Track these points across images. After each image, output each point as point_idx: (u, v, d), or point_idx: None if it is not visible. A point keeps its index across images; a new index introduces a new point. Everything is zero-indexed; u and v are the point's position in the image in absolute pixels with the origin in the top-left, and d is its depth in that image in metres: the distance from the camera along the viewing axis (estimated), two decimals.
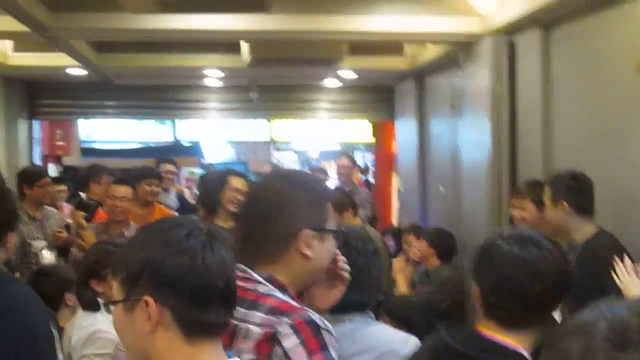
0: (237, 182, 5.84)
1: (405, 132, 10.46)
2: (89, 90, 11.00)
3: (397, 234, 9.21)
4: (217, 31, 6.71)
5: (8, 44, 8.73)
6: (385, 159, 12.48)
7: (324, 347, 2.10)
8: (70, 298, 4.41)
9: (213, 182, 6.12)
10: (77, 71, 9.46)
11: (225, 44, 8.85)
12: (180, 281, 1.66)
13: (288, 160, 18.30)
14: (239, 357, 2.01)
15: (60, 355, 2.66)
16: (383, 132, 12.44)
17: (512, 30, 6.47)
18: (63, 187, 8.53)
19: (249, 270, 2.23)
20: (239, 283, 2.14)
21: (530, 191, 5.29)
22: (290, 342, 2.06)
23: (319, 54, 7.83)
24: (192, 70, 9.69)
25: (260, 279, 2.21)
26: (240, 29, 6.64)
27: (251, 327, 2.10)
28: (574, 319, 1.04)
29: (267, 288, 2.20)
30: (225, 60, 9.08)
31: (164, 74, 10.04)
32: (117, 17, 6.41)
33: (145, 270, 1.67)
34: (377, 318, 3.16)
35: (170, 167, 8.45)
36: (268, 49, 7.63)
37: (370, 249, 2.90)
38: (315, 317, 2.12)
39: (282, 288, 2.21)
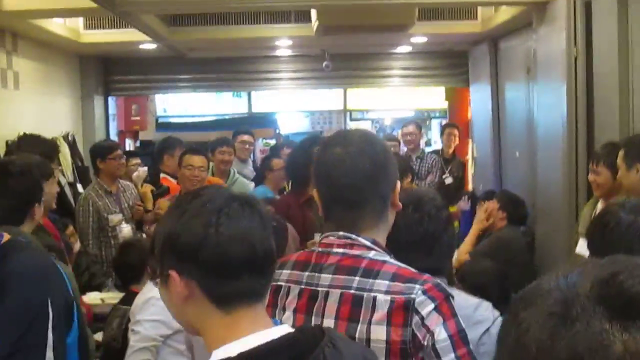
0: None
1: (479, 97, 10.31)
2: (163, 65, 11.10)
3: (472, 198, 9.14)
4: None
5: (80, 22, 8.84)
6: (460, 125, 12.31)
7: (454, 313, 2.10)
8: None
9: (301, 156, 6.09)
10: (150, 46, 9.55)
11: (296, 13, 8.83)
12: (196, 252, 1.63)
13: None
14: (367, 328, 2.05)
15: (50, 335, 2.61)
16: (457, 98, 12.28)
17: None
18: (137, 161, 8.64)
19: (354, 235, 2.19)
20: (344, 250, 2.18)
21: (605, 155, 5.14)
22: (427, 308, 2.05)
23: (390, 20, 7.72)
24: (263, 41, 9.68)
25: (368, 243, 2.18)
26: None
27: (379, 295, 2.07)
28: (531, 285, 0.93)
29: (376, 253, 2.17)
30: (297, 29, 9.04)
31: (235, 46, 10.05)
32: None
33: (166, 244, 1.68)
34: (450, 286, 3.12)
35: (246, 137, 8.50)
36: (336, 17, 7.56)
37: (443, 215, 2.83)
38: (442, 282, 2.14)
39: (387, 252, 2.22)
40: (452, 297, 2.12)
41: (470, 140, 11.36)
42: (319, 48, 10.66)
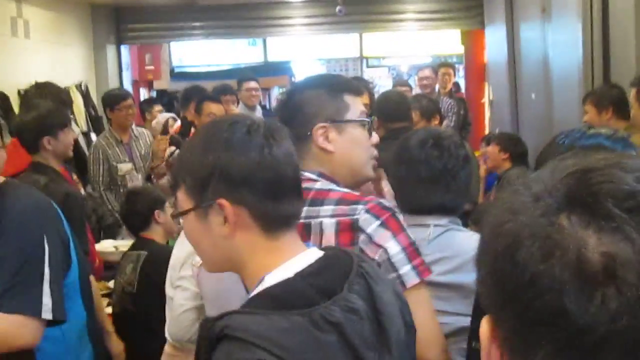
0: None
1: (495, 39, 10.21)
2: (175, 13, 11.06)
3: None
4: None
5: None
6: (476, 69, 12.22)
7: (403, 227, 2.14)
8: (160, 215, 4.49)
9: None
10: None
11: None
12: (252, 177, 1.62)
13: (379, 77, 18.10)
14: None
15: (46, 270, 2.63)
16: (473, 42, 12.16)
17: None
18: (159, 108, 8.61)
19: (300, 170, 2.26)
20: None
21: (592, 94, 5.28)
22: (372, 226, 2.09)
23: None
24: None
25: (313, 176, 2.23)
26: None
27: (324, 220, 2.13)
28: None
29: (321, 183, 2.22)
30: None
31: None
32: None
33: (215, 173, 1.63)
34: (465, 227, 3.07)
35: (252, 84, 8.40)
36: None
37: (462, 153, 2.79)
38: (386, 200, 2.16)
39: (333, 181, 2.25)
40: (399, 213, 2.16)
41: (486, 84, 11.27)
42: None
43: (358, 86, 2.44)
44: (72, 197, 4.12)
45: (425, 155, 2.66)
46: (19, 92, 7.12)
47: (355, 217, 2.10)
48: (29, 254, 2.57)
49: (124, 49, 11.30)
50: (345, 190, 2.21)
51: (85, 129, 8.57)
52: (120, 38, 11.06)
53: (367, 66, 17.90)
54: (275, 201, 1.65)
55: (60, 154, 4.36)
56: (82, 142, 8.12)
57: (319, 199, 2.17)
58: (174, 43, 13.35)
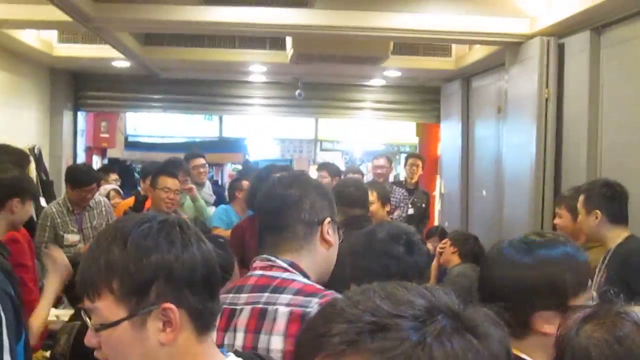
0: None
1: (450, 134, 10.35)
2: (135, 83, 11.06)
3: (443, 235, 9.15)
4: (261, 25, 6.66)
5: (53, 35, 8.78)
6: (428, 161, 12.32)
7: None
8: None
9: (258, 183, 6.04)
10: (123, 63, 9.51)
11: (271, 39, 8.84)
12: (194, 276, 1.55)
13: (333, 160, 18.22)
14: (268, 338, 2.15)
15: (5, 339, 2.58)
16: (427, 134, 12.33)
17: (561, 32, 6.34)
18: (115, 176, 8.52)
19: (273, 258, 2.35)
20: (263, 272, 2.32)
21: (567, 198, 5.21)
22: None
23: (364, 52, 7.74)
24: (237, 65, 9.67)
25: (285, 265, 2.32)
26: (284, 23, 6.59)
27: (280, 308, 2.17)
28: None
29: (289, 274, 2.30)
30: (271, 55, 9.06)
31: (209, 68, 10.02)
32: (161, 9, 6.41)
33: (159, 275, 1.51)
34: None
35: (200, 161, 8.30)
36: (312, 45, 7.56)
37: (426, 250, 2.97)
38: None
39: (304, 274, 2.32)
40: None
41: (438, 176, 11.38)
42: (292, 76, 10.67)
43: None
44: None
45: (397, 252, 2.79)
46: None
47: (308, 309, 2.13)
48: None
49: (80, 115, 11.23)
50: (307, 282, 2.27)
51: None
52: (78, 104, 11.01)
53: (321, 149, 18.05)
54: (211, 300, 1.59)
55: (18, 222, 4.25)
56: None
57: (281, 287, 2.22)
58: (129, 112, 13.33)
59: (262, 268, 2.34)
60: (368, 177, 13.12)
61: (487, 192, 8.59)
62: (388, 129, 14.74)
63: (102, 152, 12.43)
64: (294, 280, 2.26)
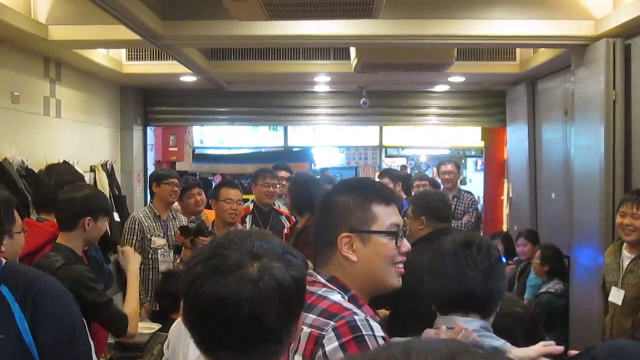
0: None
1: (516, 137, 10.30)
2: (201, 97, 11.25)
3: (506, 238, 9.14)
4: (326, 36, 6.74)
5: (122, 53, 9.00)
6: (495, 165, 12.31)
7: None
8: None
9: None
10: (190, 78, 9.69)
11: (335, 49, 8.92)
12: None
13: (398, 166, 18.24)
14: (294, 357, 2.16)
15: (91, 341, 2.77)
16: (493, 137, 12.27)
17: (627, 33, 6.29)
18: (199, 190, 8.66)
19: (314, 273, 2.36)
20: (307, 287, 2.23)
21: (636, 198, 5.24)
22: (331, 345, 2.10)
23: (428, 59, 7.75)
24: (302, 76, 9.77)
25: (323, 281, 2.32)
26: (348, 34, 6.66)
27: (305, 328, 2.15)
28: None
29: (325, 289, 2.29)
30: (335, 66, 9.12)
31: (274, 80, 10.15)
32: (227, 25, 6.52)
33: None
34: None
35: (284, 173, 8.48)
36: (376, 55, 7.60)
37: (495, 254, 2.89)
38: (360, 319, 2.13)
39: (343, 287, 2.30)
40: (375, 336, 2.12)
41: (505, 180, 11.33)
42: (356, 85, 10.73)
43: (389, 195, 2.46)
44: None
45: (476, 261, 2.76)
46: (45, 167, 7.23)
47: (323, 333, 2.12)
48: (77, 329, 2.70)
49: (149, 130, 11.47)
50: (337, 301, 2.23)
51: None
52: (147, 119, 11.24)
53: (386, 155, 18.09)
54: None
55: (92, 239, 4.41)
56: None
57: (312, 305, 2.21)
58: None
59: (307, 283, 2.34)
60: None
61: (556, 195, 8.54)
62: (453, 134, 14.71)
63: (171, 166, 12.64)
64: (325, 299, 2.24)
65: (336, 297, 2.25)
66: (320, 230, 2.43)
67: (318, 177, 7.95)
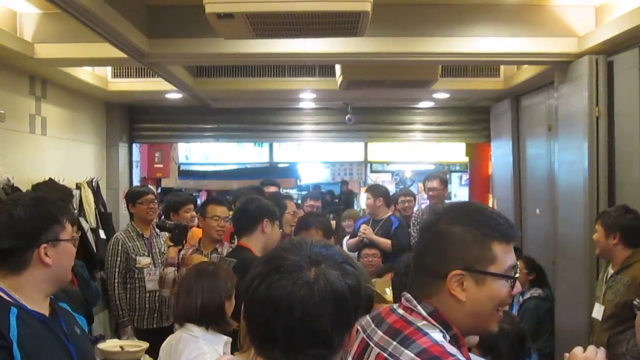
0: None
1: (500, 152, 10.35)
2: (187, 114, 11.26)
3: None
4: (311, 54, 6.77)
5: (108, 70, 9.00)
6: (480, 180, 12.36)
7: None
8: None
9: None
10: (175, 95, 9.70)
11: (320, 66, 8.95)
12: None
13: (383, 181, 18.28)
14: None
15: None
16: (478, 153, 12.32)
17: (610, 50, 6.36)
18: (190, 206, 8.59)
19: (415, 302, 2.17)
20: (404, 313, 2.18)
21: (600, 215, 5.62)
22: None
23: (413, 77, 7.78)
24: (287, 93, 9.79)
25: (424, 313, 2.14)
26: (334, 51, 6.69)
27: None
28: None
29: (425, 323, 2.11)
30: (320, 83, 9.15)
31: (260, 97, 10.17)
32: (213, 43, 6.53)
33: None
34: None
35: (273, 189, 8.53)
36: (361, 72, 7.64)
37: None
38: None
39: (446, 325, 2.13)
40: None
41: (490, 195, 11.37)
42: (342, 101, 10.77)
43: (511, 233, 2.21)
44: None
45: None
46: (31, 186, 7.23)
47: None
48: None
49: (135, 147, 11.46)
50: (438, 341, 2.04)
51: (94, 225, 8.64)
52: (133, 136, 11.23)
53: (372, 171, 18.11)
54: None
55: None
56: (90, 238, 8.20)
57: (410, 340, 2.05)
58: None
59: (404, 308, 2.18)
60: (420, 198, 13.21)
61: (541, 210, 8.58)
62: (438, 149, 14.76)
63: (157, 182, 12.63)
64: (425, 335, 2.05)
65: (438, 336, 2.06)
66: (426, 258, 2.20)
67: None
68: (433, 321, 2.11)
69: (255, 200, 5.48)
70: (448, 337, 2.09)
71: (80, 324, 3.07)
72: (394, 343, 2.07)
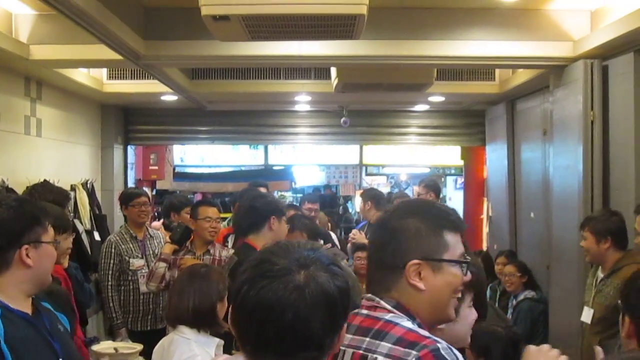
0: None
1: (495, 156, 10.36)
2: (182, 116, 11.27)
3: (486, 258, 9.17)
4: (307, 57, 6.77)
5: (103, 72, 9.00)
6: (475, 184, 12.37)
7: None
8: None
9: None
10: (171, 97, 9.70)
11: (316, 69, 8.95)
12: None
13: (378, 184, 18.28)
14: None
15: None
16: (473, 156, 12.33)
17: (604, 54, 6.37)
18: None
19: (377, 298, 2.24)
20: (368, 312, 2.23)
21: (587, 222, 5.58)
22: None
23: (408, 80, 7.79)
24: (283, 95, 9.79)
25: (388, 307, 2.21)
26: (329, 54, 6.69)
27: (379, 357, 2.07)
28: None
29: (393, 315, 2.18)
30: (316, 85, 9.16)
31: (255, 99, 10.17)
32: (208, 45, 6.53)
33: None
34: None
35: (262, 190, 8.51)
36: (356, 75, 7.63)
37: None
38: (443, 348, 2.04)
39: (410, 315, 2.19)
40: None
41: (485, 199, 11.39)
42: (337, 104, 10.78)
43: (459, 223, 2.33)
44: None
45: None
46: (27, 188, 7.21)
47: None
48: None
49: (130, 149, 11.45)
50: (410, 328, 2.12)
51: (89, 227, 8.63)
52: (128, 138, 11.23)
53: (367, 173, 18.11)
54: None
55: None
56: (85, 240, 8.18)
57: (383, 332, 2.11)
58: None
59: (367, 308, 2.24)
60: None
61: (535, 214, 8.59)
62: (433, 152, 14.75)
63: (152, 184, 12.62)
64: (396, 325, 2.12)
65: (408, 323, 2.14)
66: (383, 254, 2.27)
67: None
68: (399, 312, 2.19)
69: (262, 197, 5.47)
70: (417, 323, 2.17)
71: (62, 323, 3.09)
72: (367, 339, 2.13)
